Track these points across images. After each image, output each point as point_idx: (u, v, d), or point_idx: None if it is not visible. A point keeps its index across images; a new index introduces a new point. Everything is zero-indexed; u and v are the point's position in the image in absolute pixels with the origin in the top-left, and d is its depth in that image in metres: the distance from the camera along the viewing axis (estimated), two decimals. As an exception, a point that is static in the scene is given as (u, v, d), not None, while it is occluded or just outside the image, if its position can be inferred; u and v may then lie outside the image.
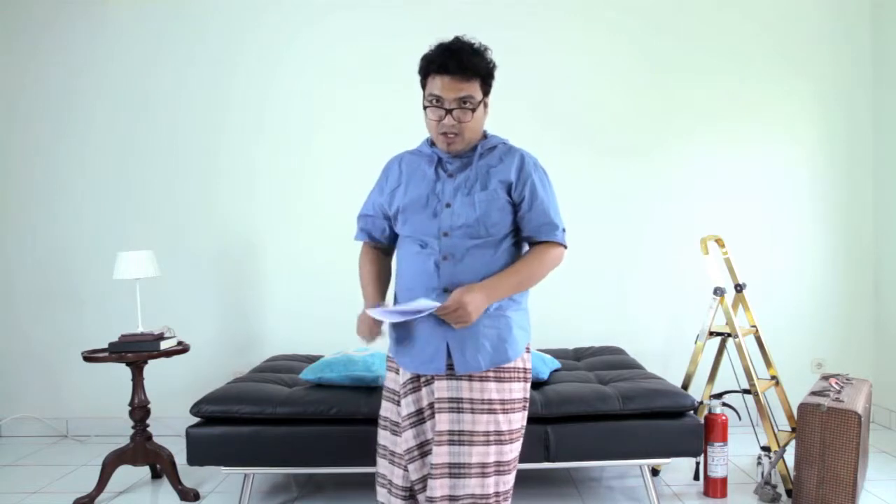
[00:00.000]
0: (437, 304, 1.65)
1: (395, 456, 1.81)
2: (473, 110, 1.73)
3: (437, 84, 1.70)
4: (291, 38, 3.83)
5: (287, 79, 3.83)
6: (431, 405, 1.74)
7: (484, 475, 1.70)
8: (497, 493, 1.73)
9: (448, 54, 1.69)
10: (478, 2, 3.79)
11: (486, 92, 1.76)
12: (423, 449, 1.76)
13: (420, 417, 1.77)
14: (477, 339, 1.72)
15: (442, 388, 1.72)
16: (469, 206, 1.75)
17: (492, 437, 1.71)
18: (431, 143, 1.85)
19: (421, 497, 1.77)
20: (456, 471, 1.69)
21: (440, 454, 1.70)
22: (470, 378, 1.72)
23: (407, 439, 1.76)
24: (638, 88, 3.82)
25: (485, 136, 1.85)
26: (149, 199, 3.85)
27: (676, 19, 3.81)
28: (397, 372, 1.82)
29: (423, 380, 1.76)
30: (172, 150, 3.85)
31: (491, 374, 1.74)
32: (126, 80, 3.84)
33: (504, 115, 3.74)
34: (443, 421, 1.71)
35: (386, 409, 1.85)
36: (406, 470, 1.78)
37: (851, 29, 3.81)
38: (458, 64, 1.68)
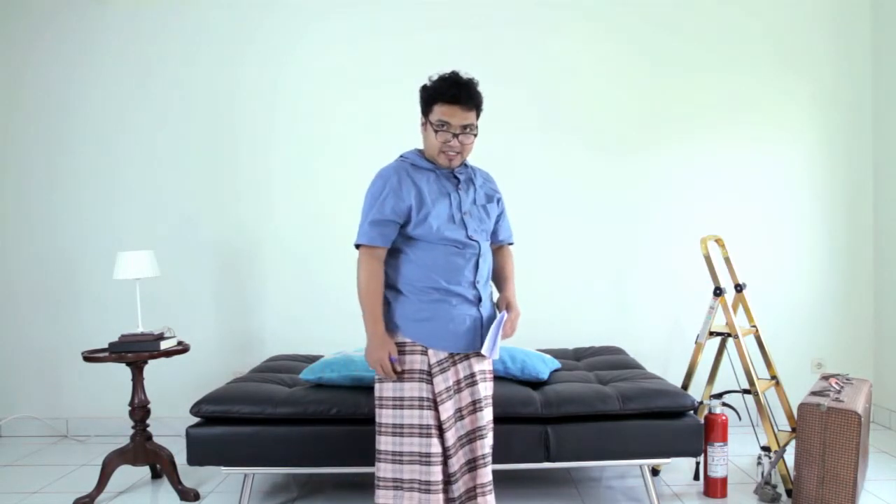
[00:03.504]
0: (506, 314, 2.10)
1: (423, 428, 2.00)
2: (475, 135, 2.06)
3: (446, 111, 1.99)
4: (293, 41, 3.82)
5: (290, 81, 3.83)
6: (472, 375, 2.07)
7: (492, 430, 2.15)
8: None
9: (458, 88, 1.99)
10: (478, 0, 3.79)
11: (478, 118, 2.08)
12: (457, 415, 2.05)
13: (458, 388, 2.06)
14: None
15: (477, 363, 2.09)
16: (485, 215, 2.13)
17: (490, 400, 2.16)
18: (422, 158, 2.10)
19: (453, 460, 2.01)
20: (490, 426, 2.13)
21: (488, 414, 2.10)
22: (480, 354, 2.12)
23: (447, 409, 2.02)
24: (637, 87, 3.82)
25: None
26: (149, 200, 3.85)
27: (677, 17, 3.81)
28: (424, 353, 2.03)
29: (456, 357, 2.06)
30: (173, 151, 3.85)
31: None
32: (126, 80, 3.84)
33: (503, 113, 3.78)
34: (485, 388, 2.11)
35: (413, 389, 2.03)
36: (442, 437, 2.01)
37: (851, 29, 3.82)
38: (468, 96, 2.00)
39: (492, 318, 2.12)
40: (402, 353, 2.04)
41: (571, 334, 3.77)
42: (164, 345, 2.95)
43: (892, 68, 3.66)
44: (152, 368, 3.12)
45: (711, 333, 3.04)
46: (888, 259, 3.73)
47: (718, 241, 3.18)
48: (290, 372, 3.16)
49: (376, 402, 2.06)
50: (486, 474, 2.05)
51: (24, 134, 3.87)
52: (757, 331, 3.16)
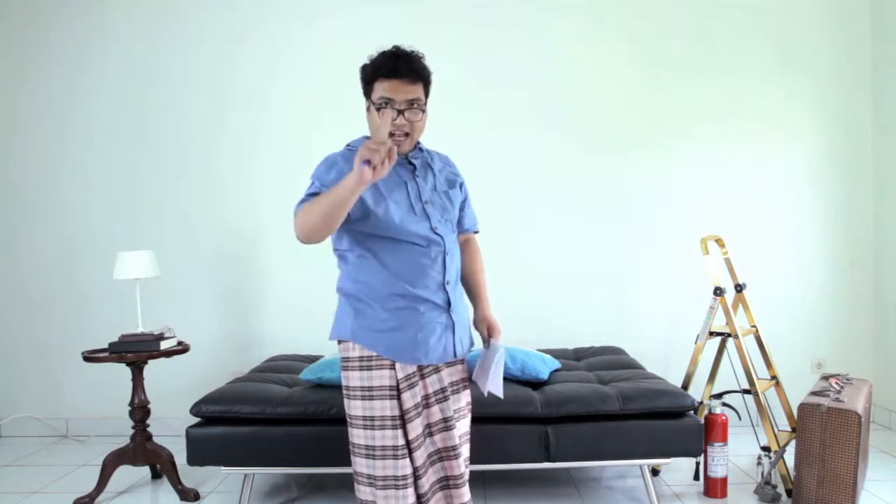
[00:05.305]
0: (502, 349, 1.98)
1: (397, 450, 1.83)
2: (423, 111, 1.86)
3: (388, 87, 1.80)
4: (292, 39, 3.83)
5: (288, 79, 3.83)
6: (442, 390, 1.91)
7: (468, 442, 2.02)
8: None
9: (397, 59, 1.81)
10: (476, 1, 3.79)
11: (426, 95, 1.88)
12: (426, 431, 1.89)
13: (427, 403, 1.90)
14: (465, 330, 2.00)
15: (448, 375, 1.94)
16: (448, 203, 1.94)
17: (468, 409, 2.03)
18: None
19: (423, 480, 1.86)
20: (466, 437, 2.00)
21: (463, 426, 1.97)
22: (455, 363, 1.98)
23: (415, 427, 1.85)
24: (638, 87, 3.82)
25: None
26: (149, 199, 3.85)
27: (676, 18, 3.81)
28: (392, 367, 1.86)
29: (424, 371, 1.90)
30: (173, 150, 3.85)
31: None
32: (126, 80, 3.84)
33: (503, 114, 3.79)
34: (456, 400, 1.95)
35: (383, 408, 1.85)
36: (411, 458, 1.85)
37: (851, 29, 3.82)
38: (409, 67, 1.80)
39: (464, 323, 1.96)
40: (368, 368, 1.86)
41: (571, 334, 3.76)
42: (164, 345, 2.95)
43: (892, 68, 3.66)
44: (152, 368, 3.12)
45: (711, 333, 3.04)
46: (888, 259, 3.73)
47: (718, 241, 3.18)
48: (290, 372, 3.16)
49: (347, 419, 1.90)
50: (463, 494, 1.90)
51: (24, 135, 3.87)
52: (757, 331, 3.16)
